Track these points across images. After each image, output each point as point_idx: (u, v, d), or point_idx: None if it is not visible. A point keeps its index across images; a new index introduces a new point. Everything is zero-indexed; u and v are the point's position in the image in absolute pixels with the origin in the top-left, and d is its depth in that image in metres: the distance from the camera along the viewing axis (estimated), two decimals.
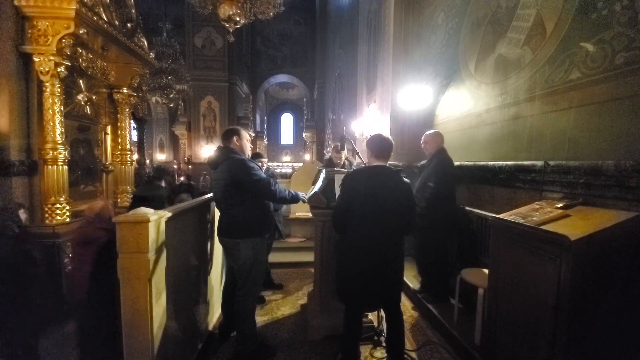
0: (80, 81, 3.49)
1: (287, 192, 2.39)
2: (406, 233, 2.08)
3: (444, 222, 2.84)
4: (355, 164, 4.68)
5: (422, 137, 3.11)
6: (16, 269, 2.09)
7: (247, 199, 2.23)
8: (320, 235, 2.54)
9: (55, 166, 2.89)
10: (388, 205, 1.93)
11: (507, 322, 1.87)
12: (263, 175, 2.26)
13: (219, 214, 2.41)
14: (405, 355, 2.36)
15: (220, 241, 2.40)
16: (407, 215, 2.01)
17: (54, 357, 2.28)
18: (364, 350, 2.46)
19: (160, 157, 15.80)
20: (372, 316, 2.72)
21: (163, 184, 3.76)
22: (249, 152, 2.47)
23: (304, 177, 5.34)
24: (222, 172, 2.23)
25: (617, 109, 1.85)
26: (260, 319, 2.88)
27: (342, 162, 4.16)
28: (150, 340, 1.67)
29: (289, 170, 13.48)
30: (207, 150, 12.06)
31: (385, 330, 2.25)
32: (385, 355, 2.26)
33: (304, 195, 2.53)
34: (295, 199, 2.45)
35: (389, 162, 2.09)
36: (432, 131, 3.12)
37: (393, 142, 2.11)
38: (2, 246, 2.10)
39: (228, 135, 2.37)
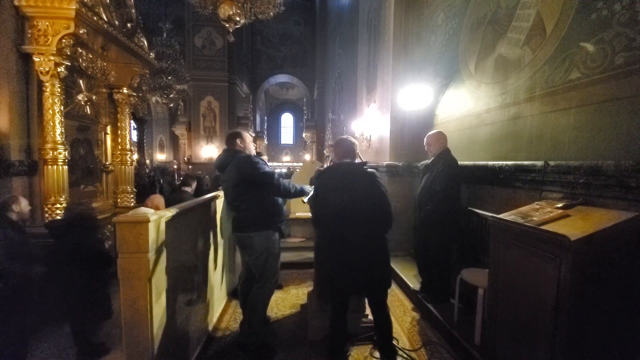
0: (80, 81, 3.49)
1: (291, 185, 2.43)
2: (383, 224, 2.08)
3: (448, 222, 2.84)
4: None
5: (425, 139, 3.09)
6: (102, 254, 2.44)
7: (257, 194, 2.31)
8: None
9: (55, 166, 2.89)
10: (356, 196, 2.00)
11: (507, 322, 1.87)
12: (267, 168, 2.34)
13: (221, 213, 2.42)
14: (406, 355, 2.37)
15: (235, 237, 2.49)
16: (379, 206, 2.03)
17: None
18: (364, 350, 2.46)
19: (160, 157, 15.79)
20: (372, 316, 2.71)
21: (190, 190, 3.95)
22: (253, 152, 2.55)
23: (304, 177, 5.33)
24: (230, 171, 2.32)
25: (617, 109, 1.85)
26: None
27: None
28: (150, 340, 1.67)
29: (284, 171, 13.45)
30: (207, 151, 12.05)
31: None
32: None
33: (311, 188, 2.55)
34: (301, 192, 2.48)
35: (388, 162, 2.13)
36: (434, 131, 3.10)
37: (355, 141, 2.24)
38: (88, 236, 2.40)
39: (231, 138, 2.47)
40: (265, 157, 3.71)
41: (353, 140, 2.25)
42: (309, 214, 2.66)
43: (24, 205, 2.42)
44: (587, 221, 1.64)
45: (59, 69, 2.85)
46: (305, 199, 2.51)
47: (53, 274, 2.26)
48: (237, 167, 2.28)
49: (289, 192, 2.41)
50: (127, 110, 4.16)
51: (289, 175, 7.68)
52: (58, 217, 2.82)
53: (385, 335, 2.20)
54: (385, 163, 4.51)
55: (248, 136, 2.54)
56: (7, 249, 2.11)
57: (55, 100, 2.86)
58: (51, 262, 2.29)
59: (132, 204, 4.08)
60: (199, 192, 4.12)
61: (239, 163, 2.29)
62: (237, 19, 4.00)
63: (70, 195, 3.06)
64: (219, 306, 3.02)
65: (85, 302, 2.29)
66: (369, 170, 2.12)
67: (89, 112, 3.65)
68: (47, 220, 2.75)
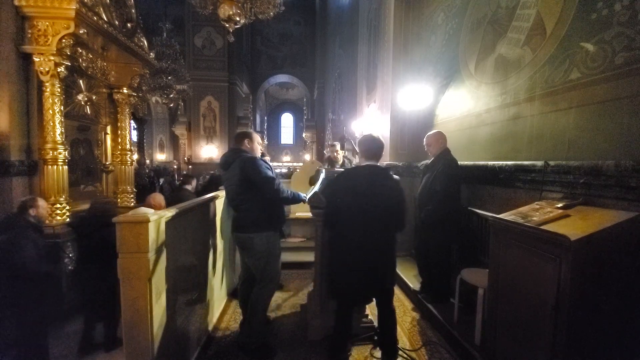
0: (80, 81, 3.49)
1: (289, 192, 2.41)
2: (399, 228, 2.11)
3: (449, 222, 2.85)
4: (354, 162, 4.69)
5: (425, 139, 3.09)
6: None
7: (258, 194, 2.29)
8: (320, 235, 2.53)
9: (55, 166, 2.89)
10: (376, 202, 1.98)
11: (507, 322, 1.87)
12: (270, 173, 2.33)
13: (221, 213, 2.41)
14: (406, 355, 2.37)
15: (235, 238, 2.46)
16: (397, 211, 2.05)
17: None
18: (364, 350, 2.46)
19: (160, 157, 15.80)
20: (372, 316, 2.72)
21: (190, 187, 4.05)
22: (259, 155, 2.54)
23: (304, 177, 5.33)
24: (233, 170, 2.32)
25: (617, 109, 1.85)
26: None
27: (342, 161, 4.19)
28: (150, 340, 1.67)
29: (285, 171, 13.42)
30: (207, 150, 12.05)
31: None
32: None
33: (305, 195, 2.54)
34: (296, 200, 2.45)
35: (388, 162, 2.12)
36: (434, 132, 3.10)
37: (383, 142, 2.18)
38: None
39: (240, 137, 2.47)
40: (267, 158, 3.70)
41: (382, 141, 2.20)
42: (309, 214, 2.66)
43: (42, 206, 2.42)
44: (587, 221, 1.64)
45: (59, 69, 2.85)
46: (306, 199, 2.51)
47: (81, 271, 2.27)
48: (241, 166, 2.28)
49: (288, 198, 2.38)
50: (127, 110, 4.16)
51: (289, 175, 7.68)
52: (81, 215, 2.87)
53: (388, 333, 2.18)
54: (385, 163, 4.51)
55: (257, 138, 2.53)
56: (29, 250, 2.12)
57: (55, 100, 2.86)
58: (80, 260, 2.29)
59: (132, 204, 4.08)
60: (209, 190, 4.16)
61: (243, 162, 2.29)
62: (237, 19, 4.00)
63: (70, 195, 3.06)
64: (219, 306, 3.02)
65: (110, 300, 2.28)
66: (395, 177, 2.10)
67: (89, 112, 3.65)
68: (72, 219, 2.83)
